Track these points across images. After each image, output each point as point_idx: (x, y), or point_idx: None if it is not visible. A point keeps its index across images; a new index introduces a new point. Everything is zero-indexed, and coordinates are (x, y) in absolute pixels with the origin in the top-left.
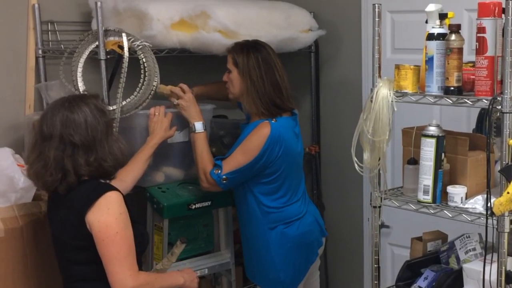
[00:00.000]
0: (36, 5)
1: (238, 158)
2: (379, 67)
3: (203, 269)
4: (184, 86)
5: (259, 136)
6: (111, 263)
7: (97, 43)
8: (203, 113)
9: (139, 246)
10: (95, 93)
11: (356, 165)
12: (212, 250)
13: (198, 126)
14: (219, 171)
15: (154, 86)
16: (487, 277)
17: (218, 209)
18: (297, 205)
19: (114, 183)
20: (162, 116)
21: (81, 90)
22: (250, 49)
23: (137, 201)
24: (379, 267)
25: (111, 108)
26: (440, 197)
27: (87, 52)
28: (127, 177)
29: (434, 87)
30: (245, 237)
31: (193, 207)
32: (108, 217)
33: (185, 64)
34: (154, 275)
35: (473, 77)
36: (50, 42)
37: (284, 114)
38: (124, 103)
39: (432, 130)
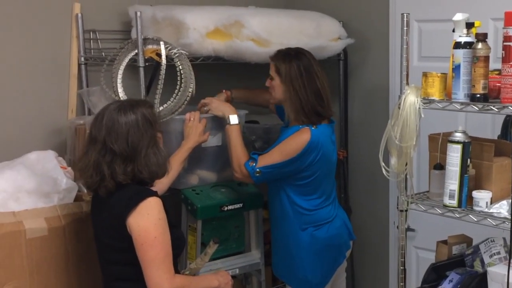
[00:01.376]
0: (79, 15)
1: (274, 156)
2: (407, 75)
3: (234, 269)
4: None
5: (298, 140)
6: (148, 266)
7: (136, 51)
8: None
9: (175, 249)
10: (148, 102)
11: (383, 170)
12: (243, 250)
13: (233, 118)
14: (254, 164)
15: (189, 92)
16: (511, 280)
17: (249, 211)
18: (328, 209)
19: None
20: (197, 121)
21: (120, 96)
22: (292, 57)
23: (173, 203)
24: (405, 270)
25: None
26: (466, 201)
27: (126, 60)
28: (163, 178)
29: (460, 94)
30: (275, 236)
31: (225, 209)
32: (147, 222)
33: (219, 71)
34: (189, 278)
35: (499, 84)
36: (92, 50)
37: (323, 122)
38: (161, 108)
39: (458, 136)
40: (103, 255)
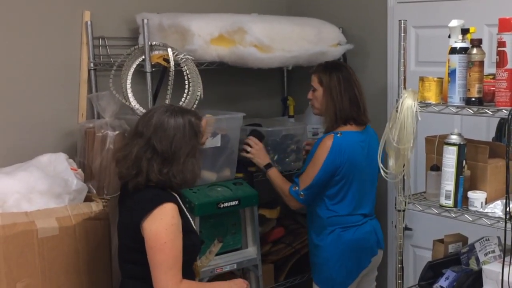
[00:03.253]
0: (89, 22)
1: (309, 173)
2: (404, 79)
3: (232, 264)
4: (254, 139)
5: (323, 149)
6: (156, 270)
7: (143, 56)
8: (233, 121)
9: (189, 254)
10: (198, 113)
11: (382, 171)
12: (240, 247)
13: (268, 166)
14: (297, 188)
15: (197, 96)
16: (505, 278)
17: (245, 208)
18: (359, 217)
19: None
20: None
21: (131, 101)
22: (333, 69)
23: None
24: (402, 268)
25: None
26: (461, 201)
27: (134, 65)
28: None
29: (456, 98)
30: (309, 235)
31: (222, 206)
32: (159, 227)
33: (223, 76)
34: (197, 285)
35: (493, 88)
36: (101, 56)
37: (355, 129)
38: None
39: (454, 138)
40: (120, 252)
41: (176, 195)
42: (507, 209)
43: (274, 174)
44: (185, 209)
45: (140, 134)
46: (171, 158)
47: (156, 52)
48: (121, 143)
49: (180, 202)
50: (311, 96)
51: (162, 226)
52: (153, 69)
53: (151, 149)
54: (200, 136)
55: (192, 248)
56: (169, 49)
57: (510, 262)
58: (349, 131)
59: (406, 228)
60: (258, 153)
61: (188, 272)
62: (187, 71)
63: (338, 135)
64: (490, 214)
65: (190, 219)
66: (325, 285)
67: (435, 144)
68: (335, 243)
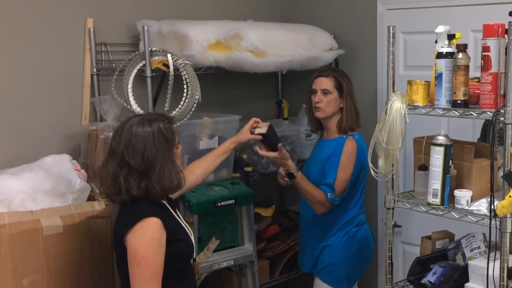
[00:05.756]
0: (92, 29)
1: (344, 179)
2: (393, 83)
3: (229, 261)
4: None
5: (351, 151)
6: (133, 282)
7: (144, 62)
8: (229, 123)
9: (179, 261)
10: (169, 117)
11: (372, 171)
12: (237, 244)
13: (296, 171)
14: (333, 195)
15: (196, 99)
16: (490, 273)
17: (241, 207)
18: (363, 215)
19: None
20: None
21: (132, 104)
22: (344, 74)
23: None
24: (392, 263)
25: None
26: (448, 200)
27: (135, 70)
28: (198, 170)
29: (442, 101)
30: (311, 236)
31: (219, 204)
32: (138, 242)
33: (220, 80)
34: None
35: (478, 91)
36: (103, 62)
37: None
38: (171, 114)
39: (441, 139)
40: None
41: (165, 202)
42: (492, 206)
43: (303, 179)
44: (176, 216)
45: (114, 152)
46: (146, 171)
47: (156, 58)
48: (101, 163)
49: (171, 209)
50: (322, 99)
51: (142, 241)
52: (153, 74)
53: (126, 166)
54: (172, 141)
55: (180, 256)
56: (169, 55)
57: (495, 257)
58: (357, 133)
59: (396, 225)
60: (278, 161)
61: (186, 273)
62: (186, 75)
63: (356, 137)
64: (475, 212)
65: (183, 224)
66: (337, 284)
67: (423, 145)
68: (350, 242)
